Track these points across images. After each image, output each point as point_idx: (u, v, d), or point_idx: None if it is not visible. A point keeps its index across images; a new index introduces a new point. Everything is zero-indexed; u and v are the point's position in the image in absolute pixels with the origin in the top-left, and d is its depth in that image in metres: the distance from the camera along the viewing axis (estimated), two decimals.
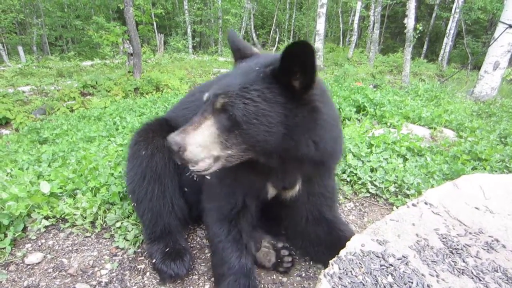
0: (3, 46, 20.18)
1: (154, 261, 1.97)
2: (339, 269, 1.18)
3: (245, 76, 1.44)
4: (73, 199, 2.51)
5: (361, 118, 5.52)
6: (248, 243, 1.90)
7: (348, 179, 2.85)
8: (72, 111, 9.04)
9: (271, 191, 1.85)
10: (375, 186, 2.77)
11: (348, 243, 1.33)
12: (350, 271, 1.16)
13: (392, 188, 2.71)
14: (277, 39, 20.74)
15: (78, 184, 2.68)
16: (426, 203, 1.61)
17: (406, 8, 11.19)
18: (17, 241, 2.21)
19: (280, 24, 30.98)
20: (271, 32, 28.76)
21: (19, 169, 3.63)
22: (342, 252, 1.27)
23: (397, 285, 1.11)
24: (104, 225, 2.33)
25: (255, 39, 26.92)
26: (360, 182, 2.80)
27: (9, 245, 2.11)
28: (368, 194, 2.72)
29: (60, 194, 2.62)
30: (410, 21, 10.87)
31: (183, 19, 24.18)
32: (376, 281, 1.13)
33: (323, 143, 1.48)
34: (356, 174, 2.86)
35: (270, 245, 2.03)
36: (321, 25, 15.66)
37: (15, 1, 20.03)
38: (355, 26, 23.39)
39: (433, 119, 5.04)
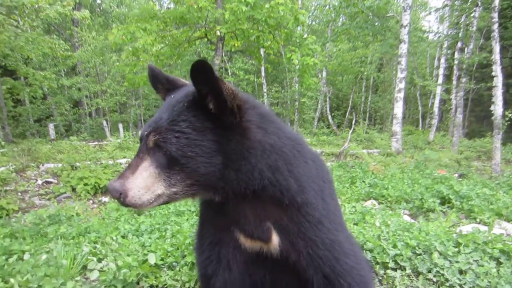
0: (107, 123, 23.23)
1: None
2: None
3: (172, 108, 1.40)
4: (173, 271, 2.81)
5: (446, 210, 5.35)
6: None
7: (435, 280, 2.79)
8: None
9: (244, 241, 1.66)
10: None
11: None
12: None
13: None
14: (353, 120, 21.14)
15: (176, 258, 3.00)
16: None
17: (492, 94, 10.92)
18: None
19: (356, 106, 31.56)
20: (347, 113, 29.35)
21: (122, 237, 4.12)
22: None
23: None
24: None
25: (330, 120, 27.60)
26: (448, 284, 2.72)
27: None
28: None
29: (162, 266, 2.95)
30: (497, 108, 10.54)
31: (262, 101, 25.94)
32: None
33: (257, 173, 1.40)
34: (443, 275, 2.79)
35: None
36: (398, 109, 15.73)
37: (122, 89, 23.38)
38: (436, 109, 22.89)
39: None
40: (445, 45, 23.42)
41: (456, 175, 8.75)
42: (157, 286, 2.71)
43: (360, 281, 1.66)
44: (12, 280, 2.65)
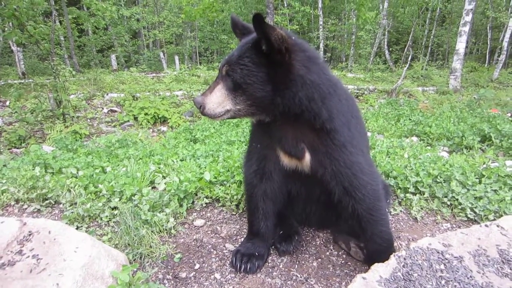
0: (164, 55, 24.03)
1: (273, 240, 2.63)
2: (406, 253, 1.73)
3: (241, 48, 1.90)
4: (224, 187, 3.43)
5: (485, 148, 5.46)
6: (266, 212, 2.42)
7: (449, 203, 3.16)
8: None
9: (284, 158, 2.17)
10: (475, 212, 3.03)
11: (419, 241, 1.84)
12: (414, 256, 1.70)
13: (491, 217, 2.94)
14: (410, 56, 20.05)
15: (227, 177, 3.60)
16: (498, 226, 1.99)
17: None
18: (188, 210, 3.21)
19: (417, 40, 29.51)
20: (405, 49, 27.71)
21: (181, 160, 4.80)
22: (412, 245, 1.80)
23: (446, 271, 1.61)
24: (244, 208, 3.17)
25: (387, 56, 26.31)
26: (460, 207, 3.08)
27: (185, 211, 3.11)
28: (466, 219, 3.01)
29: (215, 182, 3.57)
30: None
31: (317, 34, 25.18)
32: (431, 265, 1.64)
33: (297, 100, 1.83)
34: (457, 200, 3.14)
35: (356, 245, 2.52)
36: (461, 44, 14.69)
37: (178, 20, 23.70)
38: (505, 44, 21.03)
39: None
40: None
41: (509, 114, 8.49)
42: (211, 197, 3.36)
43: (372, 194, 2.14)
44: (100, 185, 3.42)
